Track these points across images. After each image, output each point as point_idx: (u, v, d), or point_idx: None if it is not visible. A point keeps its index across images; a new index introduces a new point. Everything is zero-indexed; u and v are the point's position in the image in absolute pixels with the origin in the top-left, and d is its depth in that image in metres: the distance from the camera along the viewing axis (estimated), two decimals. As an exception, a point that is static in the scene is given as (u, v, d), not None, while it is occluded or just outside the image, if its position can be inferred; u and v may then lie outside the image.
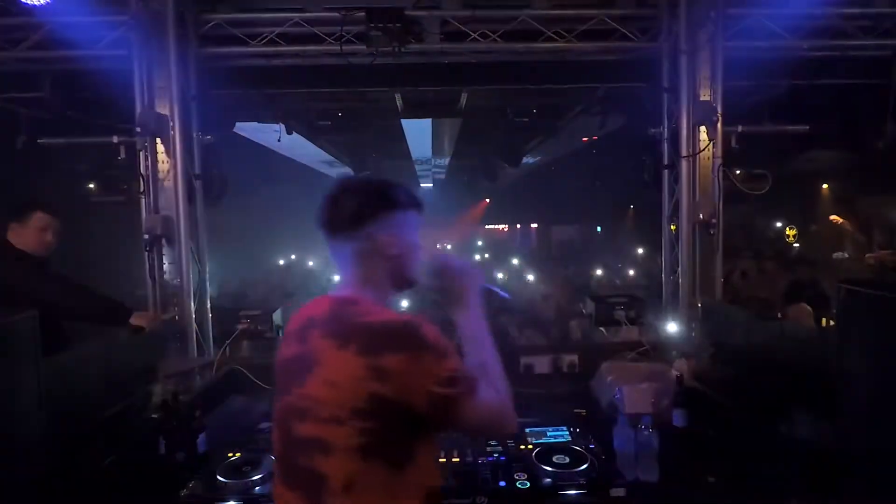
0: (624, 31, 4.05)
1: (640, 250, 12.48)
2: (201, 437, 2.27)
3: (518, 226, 22.15)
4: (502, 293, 1.57)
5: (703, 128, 3.92)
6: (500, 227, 22.90)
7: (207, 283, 4.05)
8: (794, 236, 10.18)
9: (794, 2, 3.77)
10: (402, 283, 1.36)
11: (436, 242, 19.61)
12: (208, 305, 4.02)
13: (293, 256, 13.41)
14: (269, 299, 6.91)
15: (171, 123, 3.72)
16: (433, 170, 14.00)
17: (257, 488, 1.95)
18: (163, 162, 3.76)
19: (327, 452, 1.16)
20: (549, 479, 1.97)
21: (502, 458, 2.12)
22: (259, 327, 3.47)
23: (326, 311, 1.26)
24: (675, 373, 2.66)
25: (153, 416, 2.49)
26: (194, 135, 3.94)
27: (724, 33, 3.83)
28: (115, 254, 6.26)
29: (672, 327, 3.62)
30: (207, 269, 4.06)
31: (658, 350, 3.37)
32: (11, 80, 4.09)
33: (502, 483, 1.96)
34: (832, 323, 3.74)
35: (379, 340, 1.14)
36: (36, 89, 4.13)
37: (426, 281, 1.39)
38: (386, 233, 1.28)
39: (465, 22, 3.98)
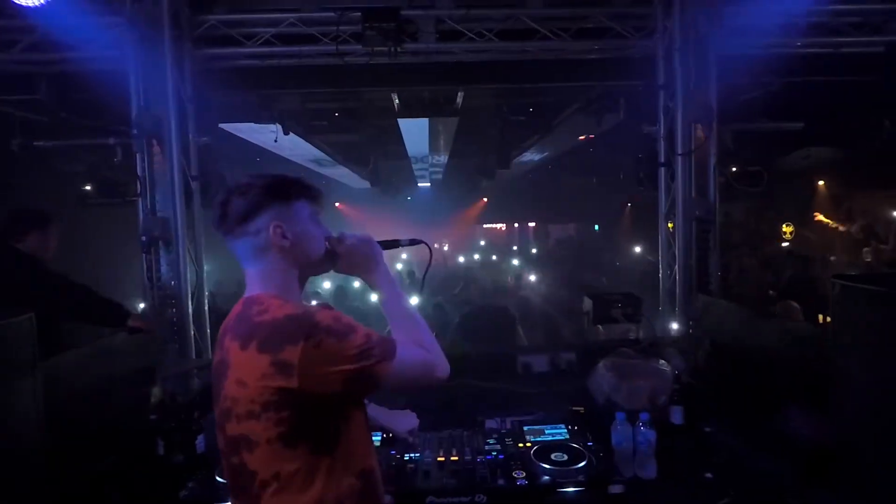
0: (619, 29, 4.07)
1: (638, 248, 12.50)
2: (200, 438, 2.27)
3: (516, 225, 22.15)
4: (403, 241, 1.60)
5: (698, 125, 3.93)
6: (499, 226, 22.90)
7: (205, 285, 4.05)
8: (790, 233, 10.20)
9: (786, 0, 3.78)
10: (308, 269, 1.40)
11: (434, 242, 19.61)
12: (206, 307, 4.02)
13: None
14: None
15: (168, 125, 3.71)
16: (430, 169, 13.96)
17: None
18: (159, 163, 3.76)
19: (251, 448, 1.21)
20: (547, 477, 1.98)
21: (501, 457, 2.13)
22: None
23: (235, 314, 1.31)
24: (672, 370, 2.67)
25: (151, 417, 2.48)
26: (191, 136, 3.94)
27: (718, 31, 3.84)
28: (106, 262, 6.26)
29: (669, 324, 3.64)
30: (205, 271, 4.06)
31: (656, 347, 3.38)
32: (6, 82, 4.09)
33: (501, 481, 1.97)
34: (829, 319, 3.76)
35: (276, 335, 1.18)
36: (31, 92, 4.12)
37: (333, 261, 1.44)
38: (274, 225, 1.31)
39: (460, 21, 3.99)
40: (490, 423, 2.43)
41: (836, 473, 1.87)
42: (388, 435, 2.31)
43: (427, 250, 1.65)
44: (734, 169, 4.21)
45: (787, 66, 4.31)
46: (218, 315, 3.99)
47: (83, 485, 2.01)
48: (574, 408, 2.58)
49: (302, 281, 1.40)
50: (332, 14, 3.88)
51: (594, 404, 2.65)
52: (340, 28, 3.89)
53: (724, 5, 3.83)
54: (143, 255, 3.71)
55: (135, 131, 3.62)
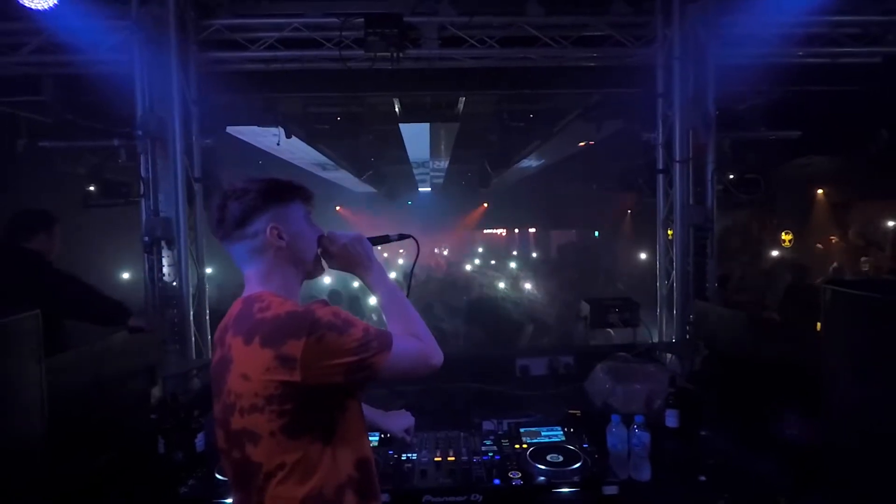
0: (619, 37, 4.11)
1: (644, 255, 12.52)
2: (200, 437, 2.30)
3: (517, 230, 22.19)
4: (392, 236, 1.65)
5: (697, 133, 3.97)
6: (499, 231, 22.93)
7: (206, 285, 4.08)
8: (789, 241, 10.24)
9: (786, 10, 3.83)
10: (304, 268, 1.44)
11: (434, 247, 19.65)
12: (207, 307, 4.04)
13: None
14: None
15: (172, 127, 3.75)
16: (431, 174, 14.02)
17: (255, 486, 1.98)
18: (163, 165, 3.79)
19: (256, 441, 1.25)
20: (542, 478, 2.00)
21: (497, 457, 2.16)
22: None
23: (236, 312, 1.35)
24: (668, 374, 2.69)
25: (152, 416, 2.51)
26: (194, 138, 3.98)
27: (717, 40, 3.88)
28: (107, 261, 6.29)
29: (666, 330, 3.66)
30: (207, 271, 4.09)
31: (652, 352, 3.41)
32: (13, 83, 4.13)
33: (497, 481, 1.99)
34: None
35: (279, 331, 1.23)
36: (37, 93, 4.16)
37: (327, 260, 1.49)
38: (271, 227, 1.36)
39: (462, 28, 4.03)
40: (487, 425, 2.46)
41: (828, 477, 1.89)
42: (385, 435, 2.34)
43: (419, 253, 1.72)
44: (732, 176, 4.24)
45: (786, 76, 4.35)
46: (220, 316, 4.02)
47: (85, 482, 2.04)
48: (571, 410, 2.61)
49: (299, 281, 1.44)
50: (336, 20, 3.93)
51: (591, 407, 2.68)
52: (343, 33, 3.93)
53: (723, 15, 3.87)
54: (146, 255, 3.74)
55: (139, 132, 3.65)
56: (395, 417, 1.86)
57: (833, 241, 9.42)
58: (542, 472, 2.02)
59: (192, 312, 3.86)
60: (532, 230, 21.38)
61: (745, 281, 7.20)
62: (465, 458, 2.15)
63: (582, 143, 9.17)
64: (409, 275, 1.97)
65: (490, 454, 2.19)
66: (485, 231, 22.23)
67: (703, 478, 2.03)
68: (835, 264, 8.02)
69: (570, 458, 2.10)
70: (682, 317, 3.99)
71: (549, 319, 7.05)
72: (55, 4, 3.30)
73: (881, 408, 1.66)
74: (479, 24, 4.05)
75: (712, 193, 4.03)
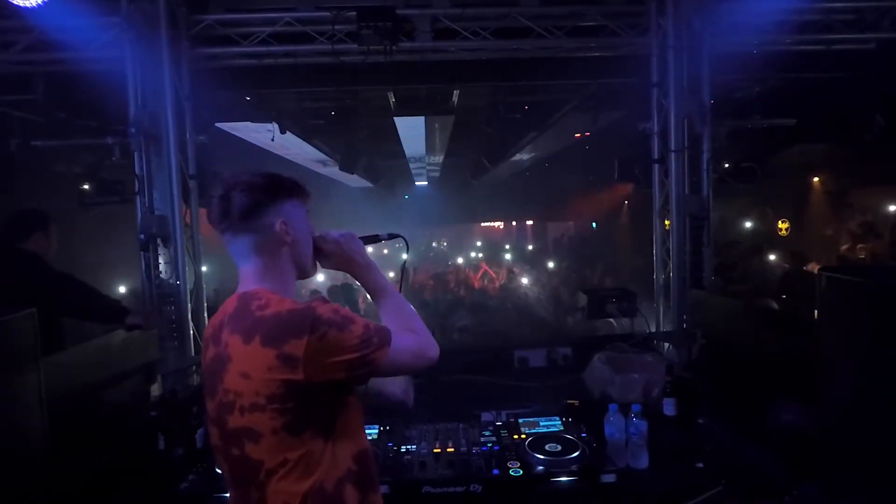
0: (613, 27, 4.10)
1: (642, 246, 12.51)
2: (199, 433, 2.30)
3: (514, 223, 22.19)
4: (383, 235, 1.66)
5: (692, 122, 3.97)
6: (496, 224, 22.92)
7: (203, 282, 4.08)
8: (786, 229, 10.26)
9: (779, -3, 3.82)
10: (302, 267, 1.44)
11: (432, 241, 19.66)
12: (205, 303, 4.04)
13: None
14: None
15: (165, 123, 3.74)
16: (427, 168, 13.98)
17: (255, 480, 1.98)
18: (157, 162, 3.78)
19: (256, 439, 1.24)
20: (541, 467, 2.01)
21: (496, 448, 2.17)
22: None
23: (233, 308, 1.33)
24: (665, 363, 2.71)
25: (152, 412, 2.51)
26: (188, 135, 3.96)
27: (712, 29, 3.87)
28: (103, 259, 6.27)
29: (663, 319, 3.67)
30: (203, 268, 4.09)
31: (650, 341, 3.42)
32: (4, 82, 4.11)
33: (496, 471, 2.00)
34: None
35: (280, 330, 1.21)
36: (29, 92, 4.14)
37: (320, 259, 1.49)
38: (280, 222, 1.34)
39: (456, 20, 4.02)
40: (486, 416, 2.47)
41: (824, 464, 1.91)
42: (385, 427, 2.35)
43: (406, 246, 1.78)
44: (727, 165, 4.24)
45: (781, 64, 4.35)
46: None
47: (85, 480, 2.04)
48: (569, 401, 2.62)
49: (294, 280, 1.43)
50: (328, 13, 3.90)
51: (589, 397, 2.69)
52: (336, 27, 3.91)
53: (717, 3, 3.86)
54: (142, 253, 3.73)
55: (132, 130, 3.64)
56: (389, 380, 1.81)
57: (829, 234, 9.44)
58: (540, 462, 2.03)
59: (189, 309, 3.86)
60: (529, 223, 21.38)
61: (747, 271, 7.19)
62: (464, 448, 2.16)
63: (578, 135, 9.15)
64: (401, 270, 1.98)
65: (489, 445, 2.19)
66: (482, 224, 22.22)
67: (700, 465, 2.04)
68: (861, 247, 7.92)
69: (569, 447, 2.11)
70: (679, 306, 4.01)
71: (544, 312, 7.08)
72: (43, 2, 3.27)
73: (877, 394, 1.67)
74: (472, 15, 4.03)
75: (708, 182, 4.04)
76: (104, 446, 2.22)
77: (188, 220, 3.94)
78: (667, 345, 3.84)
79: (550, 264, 12.64)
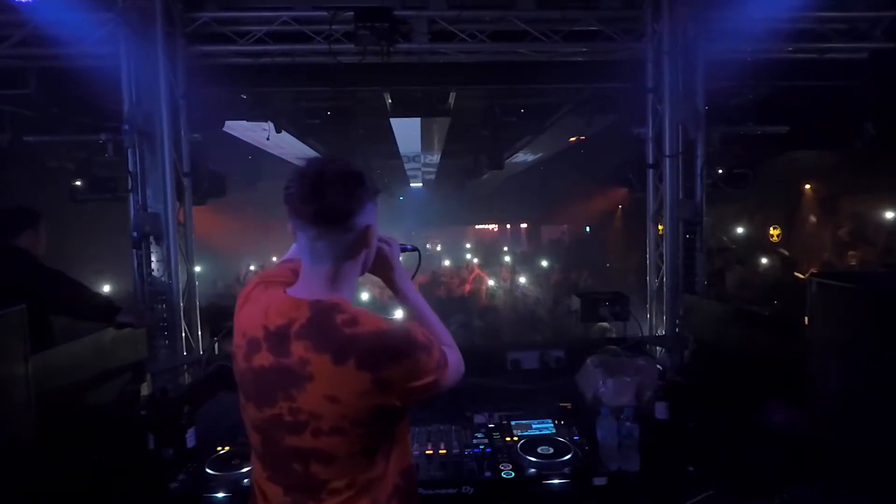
0: (608, 32, 4.12)
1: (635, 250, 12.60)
2: (190, 433, 2.28)
3: (508, 226, 22.24)
4: (408, 247, 1.62)
5: (686, 128, 3.99)
6: (490, 226, 22.96)
7: (195, 281, 4.05)
8: (777, 235, 10.35)
9: (774, 5, 3.86)
10: (364, 272, 1.34)
11: (426, 243, 19.64)
12: (197, 303, 4.02)
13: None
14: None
15: (160, 121, 3.71)
16: (423, 169, 13.99)
17: (245, 480, 1.96)
18: (150, 160, 3.75)
19: (328, 461, 1.18)
20: (533, 469, 2.01)
21: (488, 450, 2.17)
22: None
23: (306, 318, 1.17)
24: (658, 367, 2.72)
25: (142, 412, 2.49)
26: (182, 132, 3.94)
27: (706, 35, 3.90)
28: (94, 257, 6.22)
29: (656, 323, 3.69)
30: (196, 267, 4.07)
31: (642, 345, 3.44)
32: (-4, 77, 4.07)
33: (488, 473, 2.00)
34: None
35: (378, 354, 1.13)
36: (22, 87, 4.10)
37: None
38: (369, 225, 1.23)
39: (453, 22, 4.03)
40: (478, 418, 2.47)
41: (816, 467, 1.92)
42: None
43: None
44: (721, 171, 4.27)
45: (774, 71, 4.39)
46: (219, 310, 4.01)
47: (74, 478, 2.02)
48: (562, 403, 2.62)
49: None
50: (325, 13, 3.90)
51: (582, 400, 2.70)
52: (333, 27, 3.91)
53: (712, 10, 3.89)
54: (134, 250, 3.71)
55: (126, 127, 3.61)
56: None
57: (820, 240, 9.53)
58: (532, 465, 2.03)
59: (182, 308, 3.83)
60: (524, 226, 21.44)
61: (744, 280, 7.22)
62: (456, 450, 2.16)
63: (573, 139, 9.20)
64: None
65: (481, 447, 2.19)
66: (476, 227, 22.25)
67: (691, 468, 2.05)
68: (850, 254, 7.97)
69: (561, 450, 2.11)
70: (672, 310, 4.03)
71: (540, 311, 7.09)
72: (38, -4, 3.24)
73: (867, 397, 1.69)
74: (469, 18, 4.04)
75: (702, 188, 4.06)
76: (94, 445, 2.20)
77: (181, 218, 3.91)
78: (659, 349, 3.86)
79: (544, 262, 12.72)
